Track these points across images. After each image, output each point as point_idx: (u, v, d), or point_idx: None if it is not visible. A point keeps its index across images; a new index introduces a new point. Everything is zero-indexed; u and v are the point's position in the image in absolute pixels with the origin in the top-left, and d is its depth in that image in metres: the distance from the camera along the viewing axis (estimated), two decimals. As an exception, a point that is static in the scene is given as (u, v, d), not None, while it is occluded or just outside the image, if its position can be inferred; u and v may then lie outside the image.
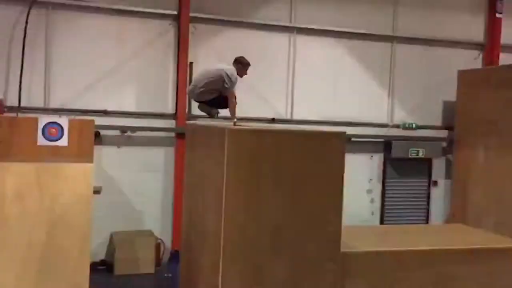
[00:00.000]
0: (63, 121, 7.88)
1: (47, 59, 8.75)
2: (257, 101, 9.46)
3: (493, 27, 11.04)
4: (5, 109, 8.50)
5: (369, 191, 10.63)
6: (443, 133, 10.99)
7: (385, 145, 10.62)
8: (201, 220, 5.70)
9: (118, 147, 9.11)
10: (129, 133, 9.09)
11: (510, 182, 8.94)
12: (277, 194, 4.93)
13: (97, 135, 8.60)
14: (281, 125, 9.43)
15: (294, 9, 10.00)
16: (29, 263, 6.21)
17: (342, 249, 5.16)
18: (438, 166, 11.01)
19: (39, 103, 8.72)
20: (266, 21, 9.79)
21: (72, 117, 8.36)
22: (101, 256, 8.93)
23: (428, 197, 11.05)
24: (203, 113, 9.27)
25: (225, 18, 9.55)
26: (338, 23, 10.20)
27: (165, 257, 9.27)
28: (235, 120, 6.09)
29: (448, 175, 10.91)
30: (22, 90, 8.53)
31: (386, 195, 10.76)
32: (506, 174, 9.04)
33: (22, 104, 8.54)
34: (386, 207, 10.74)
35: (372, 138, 10.51)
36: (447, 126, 10.92)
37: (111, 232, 8.95)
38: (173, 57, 9.37)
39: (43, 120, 7.82)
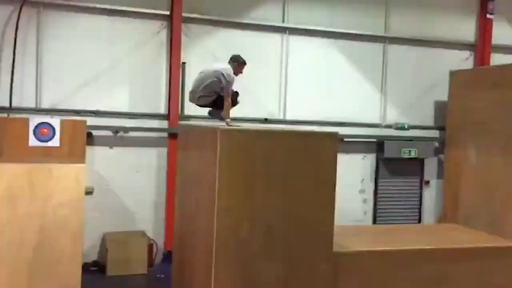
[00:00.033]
0: (55, 121, 7.86)
1: (39, 59, 8.70)
2: (250, 101, 9.44)
3: (484, 27, 11.10)
4: (-4, 110, 8.44)
5: (361, 191, 10.66)
6: (435, 133, 11.04)
7: (378, 145, 10.65)
8: (193, 220, 5.70)
9: (111, 147, 9.08)
10: (121, 133, 9.06)
11: (501, 182, 8.99)
12: (270, 194, 4.94)
13: (89, 135, 8.56)
14: (274, 125, 9.44)
15: (287, 10, 10.01)
16: (20, 264, 6.19)
17: (335, 249, 5.18)
18: (430, 166, 11.06)
19: (31, 104, 8.66)
20: (258, 21, 9.78)
21: (64, 117, 8.32)
22: (93, 257, 8.89)
23: (420, 196, 11.10)
24: (195, 114, 9.33)
25: (218, 18, 9.55)
26: (331, 23, 10.22)
27: (158, 258, 9.25)
28: (228, 120, 6.08)
29: (440, 175, 10.96)
30: (13, 90, 8.47)
31: (379, 195, 10.79)
32: (497, 174, 9.09)
33: (13, 105, 8.48)
34: (379, 207, 10.78)
35: (364, 138, 10.54)
36: (439, 126, 10.97)
37: (103, 232, 8.91)
38: (165, 57, 9.35)
39: (35, 120, 7.81)
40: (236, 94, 6.38)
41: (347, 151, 10.03)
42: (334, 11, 10.26)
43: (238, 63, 6.25)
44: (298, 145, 5.07)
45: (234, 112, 6.70)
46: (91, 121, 8.57)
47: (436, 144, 11.01)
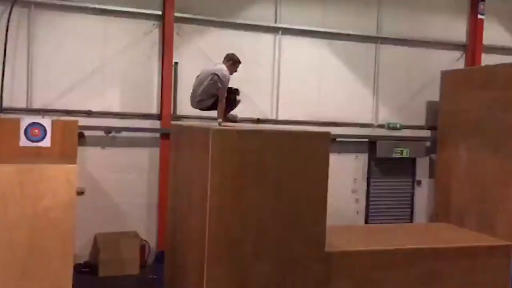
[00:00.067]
0: (46, 121, 7.81)
1: (30, 59, 8.64)
2: (242, 101, 9.40)
3: (475, 28, 11.18)
4: (-13, 110, 8.38)
5: (354, 191, 10.69)
6: (427, 133, 11.09)
7: (370, 145, 10.69)
8: (185, 220, 5.69)
9: (103, 147, 9.04)
10: (113, 133, 9.02)
11: (492, 182, 9.07)
12: (262, 194, 4.94)
13: (80, 136, 8.51)
14: (267, 125, 9.44)
15: (279, 10, 10.02)
16: (11, 265, 6.14)
17: (327, 249, 5.19)
18: (422, 166, 11.11)
19: (22, 104, 8.60)
20: (251, 21, 9.79)
21: (55, 117, 8.27)
22: (85, 257, 8.85)
23: (412, 196, 11.14)
24: (188, 114, 9.32)
25: (210, 18, 9.53)
26: (323, 23, 10.24)
27: (151, 258, 9.22)
28: (220, 120, 6.08)
29: (432, 174, 11.02)
30: (4, 90, 8.41)
31: (371, 195, 10.82)
32: (488, 173, 9.17)
33: (4, 105, 8.42)
34: (371, 206, 10.81)
35: (357, 138, 10.57)
36: (431, 126, 11.03)
37: (95, 233, 8.87)
38: (157, 57, 9.32)
39: (26, 120, 7.74)
40: (236, 91, 6.35)
41: (339, 151, 10.06)
42: (326, 12, 10.28)
43: (232, 61, 6.24)
44: (290, 145, 5.08)
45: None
46: (82, 121, 8.52)
47: (428, 144, 11.07)
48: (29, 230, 6.22)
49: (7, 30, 8.36)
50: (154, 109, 9.36)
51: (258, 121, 9.84)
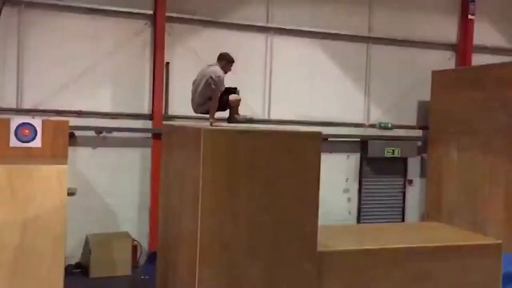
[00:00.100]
0: (37, 122, 7.76)
1: (20, 58, 8.58)
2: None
3: (465, 28, 11.25)
4: (-24, 110, 8.31)
5: (346, 191, 10.72)
6: (418, 133, 11.15)
7: (362, 145, 10.73)
8: (177, 221, 5.67)
9: (94, 148, 9.00)
10: (104, 134, 8.99)
11: (482, 180, 9.13)
12: (253, 194, 4.93)
13: (71, 136, 8.46)
14: (258, 125, 9.43)
15: (271, 10, 10.03)
16: (1, 266, 6.09)
17: (319, 249, 5.19)
18: (413, 165, 11.17)
19: (12, 104, 8.55)
20: (243, 21, 9.79)
21: (46, 118, 8.22)
22: (76, 259, 8.81)
23: (404, 195, 11.20)
24: (179, 114, 9.31)
25: (202, 18, 9.52)
26: (315, 23, 10.26)
27: (143, 259, 9.19)
28: (212, 120, 6.06)
29: (423, 173, 11.08)
30: (-7, 90, 8.37)
31: (363, 194, 10.86)
32: (478, 172, 9.23)
33: (-6, 105, 8.38)
34: (363, 206, 10.85)
35: (348, 138, 10.60)
36: (422, 125, 11.09)
37: (86, 234, 8.82)
38: (149, 57, 9.30)
39: (16, 121, 7.69)
40: (234, 90, 6.31)
41: (331, 151, 10.09)
42: (318, 12, 10.31)
43: (226, 61, 6.22)
44: (281, 145, 5.07)
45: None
46: (73, 121, 8.48)
47: (419, 143, 11.12)
48: (20, 231, 6.18)
49: (-4, 30, 8.32)
50: (145, 109, 9.33)
51: (250, 120, 9.82)
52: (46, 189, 6.32)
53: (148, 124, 9.27)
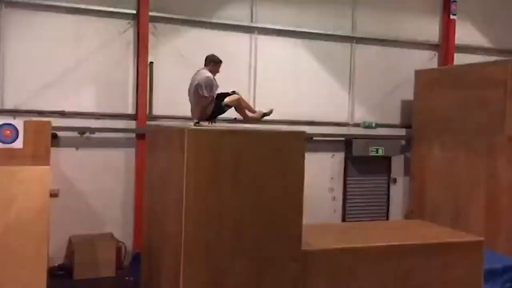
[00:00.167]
0: (18, 122, 7.67)
1: (1, 58, 8.45)
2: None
3: (447, 28, 11.37)
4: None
5: (330, 190, 10.76)
6: (402, 132, 11.24)
7: (346, 144, 10.78)
8: (161, 221, 5.65)
9: (77, 148, 8.91)
10: (88, 134, 8.90)
11: (465, 178, 9.25)
12: (238, 194, 4.94)
13: (54, 136, 8.37)
14: (243, 125, 9.43)
15: (255, 9, 10.02)
16: (-18, 270, 6.01)
17: (303, 248, 5.22)
18: (397, 164, 11.26)
19: (-8, 104, 8.43)
20: (227, 21, 9.76)
21: (28, 118, 8.12)
22: (59, 260, 8.70)
23: (388, 194, 11.28)
24: (163, 114, 9.27)
25: (186, 18, 9.48)
26: (299, 23, 10.28)
27: (127, 260, 9.12)
28: (196, 121, 6.04)
29: (407, 172, 11.17)
30: (-26, 91, 8.24)
31: (348, 193, 10.91)
32: (461, 170, 9.35)
33: (-26, 106, 8.25)
34: (348, 204, 10.91)
35: (333, 137, 10.65)
36: (405, 124, 11.18)
37: (70, 235, 8.73)
38: (133, 57, 9.22)
39: (-3, 122, 7.59)
40: (232, 94, 6.26)
41: (316, 150, 10.12)
42: (302, 11, 10.33)
43: (214, 62, 6.22)
44: (266, 145, 5.09)
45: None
46: (56, 122, 8.38)
47: (403, 142, 11.22)
48: (1, 233, 6.11)
49: (-24, 29, 8.19)
50: (129, 109, 9.26)
51: (235, 120, 9.81)
52: (28, 191, 6.26)
53: (132, 124, 9.21)
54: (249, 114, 6.24)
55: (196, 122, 5.94)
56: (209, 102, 5.93)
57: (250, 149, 4.99)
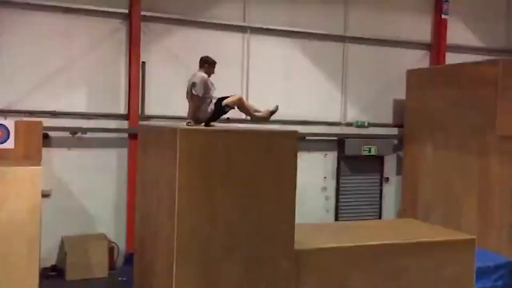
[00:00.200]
0: (9, 123, 7.62)
1: (-9, 58, 8.41)
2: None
3: (439, 27, 11.43)
4: None
5: (323, 189, 10.78)
6: (394, 131, 11.28)
7: (339, 143, 10.80)
8: (154, 221, 5.63)
9: (69, 149, 8.86)
10: (79, 134, 8.86)
11: (456, 177, 9.30)
12: (230, 193, 4.93)
13: (45, 137, 8.32)
14: (236, 125, 9.42)
15: (248, 9, 10.02)
16: (-27, 271, 5.97)
17: (296, 247, 5.22)
18: (390, 163, 11.30)
19: (-17, 105, 8.37)
20: (219, 20, 9.75)
21: (19, 119, 8.06)
22: (51, 261, 8.66)
23: (381, 193, 11.32)
24: (156, 114, 9.26)
25: (178, 17, 9.46)
26: (291, 23, 10.29)
27: (120, 260, 9.09)
28: (188, 121, 6.02)
29: (399, 171, 11.22)
30: (-36, 91, 8.18)
31: (341, 192, 10.94)
32: (452, 169, 9.39)
33: (-35, 106, 8.19)
34: (341, 204, 10.93)
35: (325, 136, 10.67)
36: (398, 123, 11.22)
37: (62, 236, 8.69)
38: (124, 57, 9.19)
39: (-13, 122, 7.54)
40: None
41: (309, 150, 10.14)
42: (294, 11, 10.34)
43: (208, 64, 6.20)
44: (258, 144, 5.09)
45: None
46: (47, 122, 8.35)
47: (395, 141, 11.26)
48: (-8, 234, 6.06)
49: (-34, 29, 8.12)
50: (121, 109, 9.23)
51: (228, 120, 9.80)
52: (19, 191, 6.22)
53: (124, 124, 9.17)
54: (257, 113, 6.15)
55: (188, 122, 5.92)
56: (203, 102, 5.90)
57: (243, 148, 4.98)
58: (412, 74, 10.61)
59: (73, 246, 8.46)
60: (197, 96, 5.81)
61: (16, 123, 7.61)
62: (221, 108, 5.95)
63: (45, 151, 8.04)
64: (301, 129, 8.69)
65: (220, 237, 4.90)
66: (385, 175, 11.29)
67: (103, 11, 8.97)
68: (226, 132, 5.20)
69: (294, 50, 10.38)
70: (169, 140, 5.06)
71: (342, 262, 5.44)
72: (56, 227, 8.47)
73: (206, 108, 5.85)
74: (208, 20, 9.66)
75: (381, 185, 11.29)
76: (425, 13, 11.48)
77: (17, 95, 8.52)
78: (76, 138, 8.84)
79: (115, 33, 9.12)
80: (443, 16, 11.42)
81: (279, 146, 5.14)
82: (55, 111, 8.71)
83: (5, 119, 7.96)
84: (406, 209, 10.54)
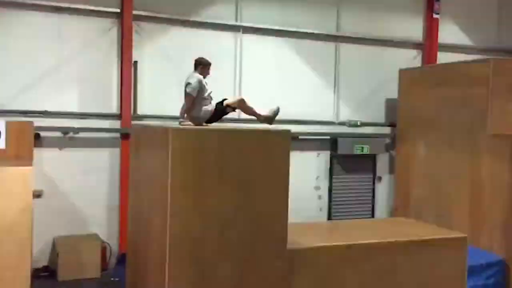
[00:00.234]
0: (0, 123, 7.57)
1: (-18, 58, 8.35)
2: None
3: (431, 27, 11.48)
4: None
5: (316, 188, 10.80)
6: (386, 130, 11.32)
7: (331, 142, 10.83)
8: (146, 221, 5.61)
9: (60, 149, 8.82)
10: (71, 134, 8.82)
11: (448, 176, 9.34)
12: (223, 193, 4.93)
13: (37, 137, 8.27)
14: (228, 124, 9.41)
15: (240, 8, 10.01)
16: (-36, 273, 5.93)
17: (289, 246, 5.22)
18: (382, 162, 11.34)
19: (-26, 105, 8.31)
20: (212, 19, 9.74)
21: (10, 118, 8.00)
22: (43, 262, 8.62)
23: (373, 192, 11.36)
24: (148, 113, 9.24)
25: (170, 17, 9.43)
26: (284, 22, 10.30)
27: (112, 261, 9.06)
28: (181, 120, 6.01)
29: (392, 170, 11.26)
30: (-46, 90, 8.11)
31: (333, 191, 10.97)
32: (444, 168, 9.43)
33: (-45, 106, 8.12)
34: (333, 203, 10.96)
35: (318, 135, 10.69)
36: (390, 123, 11.26)
37: (54, 236, 8.65)
38: (116, 56, 9.15)
39: (-22, 122, 7.48)
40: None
41: (301, 149, 10.16)
42: (286, 10, 10.35)
43: (202, 65, 6.18)
44: (250, 143, 5.08)
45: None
46: (39, 122, 8.30)
47: (388, 140, 11.30)
48: (-17, 235, 6.02)
49: (-44, 28, 8.05)
50: (113, 109, 9.19)
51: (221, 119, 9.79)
52: (10, 192, 6.18)
53: (116, 124, 9.14)
54: (262, 114, 6.06)
55: (181, 121, 5.91)
56: (198, 102, 5.87)
57: (235, 148, 4.97)
58: (404, 74, 10.65)
59: (65, 246, 8.42)
60: (191, 96, 5.80)
61: (7, 123, 7.56)
62: (222, 108, 5.93)
63: (36, 151, 7.99)
64: (293, 128, 8.61)
65: (213, 237, 4.89)
66: (377, 174, 11.34)
67: (94, 10, 8.93)
68: (218, 132, 5.19)
69: (287, 50, 10.39)
70: (161, 139, 5.05)
71: (335, 261, 5.45)
72: (48, 227, 8.43)
73: (200, 108, 5.84)
74: (200, 20, 9.65)
75: (373, 184, 11.33)
76: (417, 13, 11.53)
77: (8, 95, 8.46)
78: (68, 138, 8.80)
79: (107, 32, 9.08)
80: (434, 16, 11.47)
81: (272, 146, 5.15)
82: (46, 111, 8.66)
83: (-4, 119, 7.90)
84: (399, 208, 10.58)
